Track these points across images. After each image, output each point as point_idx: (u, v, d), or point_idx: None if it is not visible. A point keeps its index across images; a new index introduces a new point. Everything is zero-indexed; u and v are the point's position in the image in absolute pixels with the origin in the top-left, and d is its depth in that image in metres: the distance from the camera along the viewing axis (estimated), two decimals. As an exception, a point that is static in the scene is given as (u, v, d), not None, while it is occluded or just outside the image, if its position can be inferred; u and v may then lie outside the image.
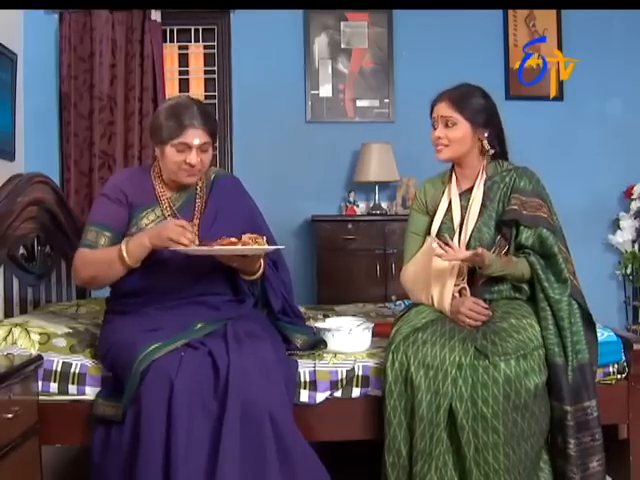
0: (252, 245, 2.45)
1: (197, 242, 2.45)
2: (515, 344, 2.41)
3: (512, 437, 2.33)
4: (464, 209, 2.71)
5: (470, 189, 2.73)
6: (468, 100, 2.67)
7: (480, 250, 2.46)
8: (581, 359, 2.49)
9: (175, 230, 2.40)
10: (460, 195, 2.74)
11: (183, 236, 2.38)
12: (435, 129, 2.70)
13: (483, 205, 2.67)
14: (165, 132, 2.51)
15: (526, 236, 2.58)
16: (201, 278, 2.60)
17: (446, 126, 2.66)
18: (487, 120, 2.69)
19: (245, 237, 2.46)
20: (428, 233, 2.76)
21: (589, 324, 2.58)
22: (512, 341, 2.42)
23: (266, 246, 2.51)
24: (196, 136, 2.51)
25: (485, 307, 2.57)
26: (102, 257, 2.51)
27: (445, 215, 2.73)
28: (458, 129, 2.66)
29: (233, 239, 2.45)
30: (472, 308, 2.55)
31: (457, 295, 2.62)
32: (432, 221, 2.76)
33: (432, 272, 2.65)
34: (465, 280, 2.63)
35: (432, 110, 2.73)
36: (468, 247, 2.62)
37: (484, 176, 2.71)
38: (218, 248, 2.43)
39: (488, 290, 2.63)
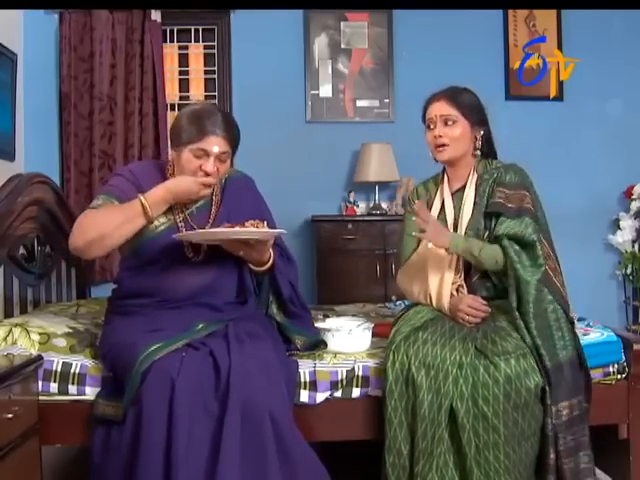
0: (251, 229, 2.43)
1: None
2: (515, 343, 2.42)
3: (513, 437, 2.33)
4: (457, 209, 2.72)
5: (461, 188, 2.75)
6: (464, 98, 2.70)
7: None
8: (561, 358, 2.45)
9: (195, 186, 2.46)
10: (452, 195, 2.76)
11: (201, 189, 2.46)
12: (431, 129, 2.70)
13: (475, 203, 2.69)
14: (185, 135, 2.48)
15: (507, 225, 2.55)
16: (204, 279, 2.59)
17: (445, 125, 2.67)
18: (481, 119, 2.72)
19: (247, 224, 2.44)
20: None
21: (570, 325, 2.56)
22: (511, 340, 2.43)
23: (266, 230, 2.47)
24: (216, 143, 2.48)
25: (484, 304, 2.57)
26: (117, 211, 2.45)
27: (439, 215, 2.74)
28: (458, 127, 2.67)
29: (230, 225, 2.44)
30: (471, 305, 2.56)
31: (455, 293, 2.63)
32: None
33: (429, 271, 2.67)
34: (462, 278, 2.64)
35: (426, 111, 2.73)
36: None
37: (475, 175, 2.73)
38: (216, 230, 2.43)
39: (484, 286, 2.64)
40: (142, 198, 2.42)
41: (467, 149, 2.72)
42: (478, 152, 2.74)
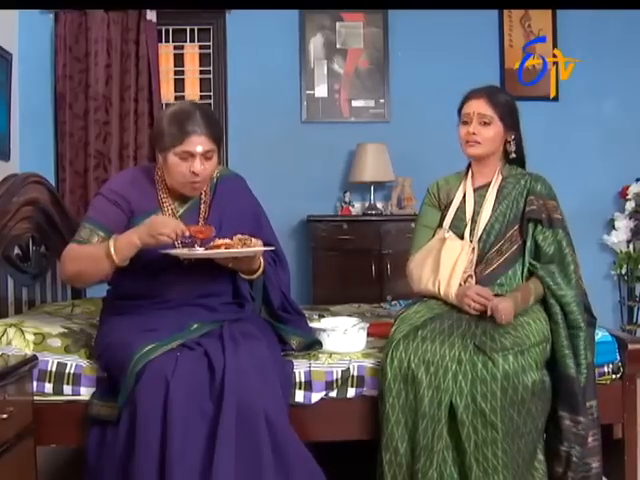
0: (239, 247, 2.43)
1: (187, 233, 2.39)
2: (513, 340, 2.43)
3: (507, 433, 2.34)
4: (477, 204, 2.75)
5: (484, 186, 2.78)
6: (504, 101, 2.74)
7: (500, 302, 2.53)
8: (588, 357, 2.53)
9: (167, 224, 2.35)
10: (474, 191, 2.79)
11: (174, 230, 2.33)
12: (466, 124, 2.72)
13: (497, 202, 2.73)
14: (167, 139, 2.44)
15: (543, 237, 2.66)
16: (200, 281, 2.58)
17: (481, 124, 2.70)
18: (515, 123, 2.76)
19: (235, 239, 2.44)
20: (439, 226, 2.80)
21: (589, 326, 2.62)
22: (510, 337, 2.44)
23: (254, 248, 2.46)
24: (199, 143, 2.43)
25: (491, 294, 2.58)
26: (89, 252, 2.45)
27: (458, 208, 2.78)
28: (492, 128, 2.70)
29: (220, 241, 2.43)
30: (479, 292, 2.56)
31: (463, 283, 2.64)
32: (444, 215, 2.81)
33: (442, 259, 2.69)
34: (472, 268, 2.67)
35: (464, 105, 2.76)
36: (479, 241, 2.69)
37: (500, 176, 2.77)
38: (204, 252, 2.42)
39: (494, 283, 2.65)
40: (111, 242, 2.39)
41: (496, 150, 2.76)
42: (513, 155, 2.78)
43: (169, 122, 2.45)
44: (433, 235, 2.80)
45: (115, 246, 2.38)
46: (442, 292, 2.67)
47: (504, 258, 2.68)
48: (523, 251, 2.68)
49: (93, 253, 2.44)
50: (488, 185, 2.77)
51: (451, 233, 2.74)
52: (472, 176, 2.83)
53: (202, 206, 2.64)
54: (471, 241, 2.70)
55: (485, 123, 2.69)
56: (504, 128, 2.72)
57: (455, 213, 2.78)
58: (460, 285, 2.64)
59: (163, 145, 2.47)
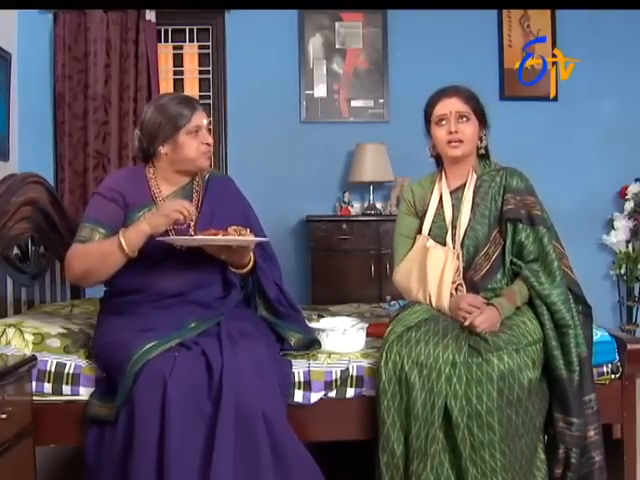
0: (235, 236, 2.46)
1: (196, 215, 2.51)
2: (507, 339, 2.42)
3: (507, 434, 2.33)
4: (455, 207, 2.71)
5: (460, 187, 2.74)
6: (474, 98, 2.71)
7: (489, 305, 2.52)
8: (581, 353, 2.50)
9: (177, 203, 2.45)
10: (450, 193, 2.74)
11: (184, 208, 2.42)
12: (442, 125, 2.67)
13: (475, 203, 2.68)
14: (171, 125, 2.55)
15: (526, 235, 2.60)
16: (194, 277, 2.60)
17: (459, 122, 2.65)
18: (485, 119, 2.72)
19: (230, 229, 2.47)
20: (419, 233, 2.76)
21: (585, 316, 2.61)
22: (504, 336, 2.43)
23: (249, 237, 2.50)
24: (203, 117, 2.62)
25: (484, 302, 2.56)
26: (97, 249, 2.50)
27: (436, 214, 2.74)
28: (470, 125, 2.67)
29: (215, 230, 2.46)
30: (472, 303, 2.53)
31: (454, 292, 2.62)
32: (422, 221, 2.76)
33: (428, 271, 2.65)
34: (461, 276, 2.64)
35: (435, 107, 2.69)
36: (462, 245, 2.64)
37: (474, 175, 2.72)
38: (201, 238, 2.45)
39: (483, 287, 2.63)
40: (121, 234, 2.44)
41: (474, 148, 2.72)
42: (482, 151, 2.74)
43: (165, 111, 2.57)
44: (413, 244, 2.77)
45: (125, 236, 2.44)
46: (434, 305, 2.64)
47: (492, 262, 2.63)
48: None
49: (102, 249, 2.49)
50: (464, 186, 2.72)
51: (431, 241, 2.69)
52: (446, 178, 2.77)
53: (194, 195, 2.68)
54: (454, 247, 2.65)
55: (465, 119, 2.65)
56: (479, 124, 2.69)
57: (433, 220, 2.73)
58: (451, 295, 2.61)
59: (168, 132, 2.57)
